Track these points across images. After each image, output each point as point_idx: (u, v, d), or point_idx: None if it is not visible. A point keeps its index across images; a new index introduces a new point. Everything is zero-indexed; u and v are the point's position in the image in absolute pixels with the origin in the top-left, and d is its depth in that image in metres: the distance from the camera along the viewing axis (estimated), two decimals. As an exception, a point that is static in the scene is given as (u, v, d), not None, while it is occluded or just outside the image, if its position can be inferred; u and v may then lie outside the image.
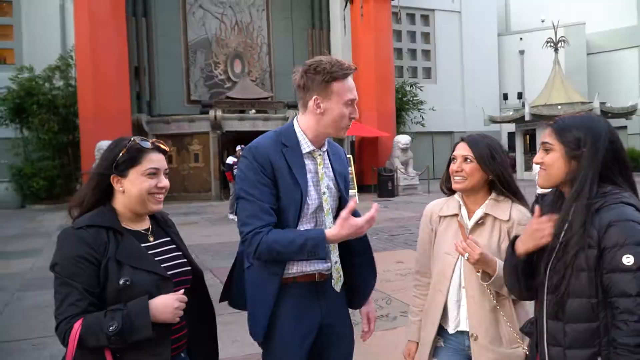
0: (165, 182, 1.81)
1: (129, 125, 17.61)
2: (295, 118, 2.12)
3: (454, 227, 2.10)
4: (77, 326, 1.56)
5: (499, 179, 2.03)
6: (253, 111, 20.39)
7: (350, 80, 2.02)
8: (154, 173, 1.77)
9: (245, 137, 20.58)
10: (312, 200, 2.03)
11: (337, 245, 2.08)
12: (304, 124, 2.06)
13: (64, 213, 13.99)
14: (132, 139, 1.79)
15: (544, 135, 1.69)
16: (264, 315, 1.98)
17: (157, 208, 1.81)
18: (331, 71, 1.95)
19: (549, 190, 1.76)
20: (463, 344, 2.05)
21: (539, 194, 1.82)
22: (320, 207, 2.05)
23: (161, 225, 1.91)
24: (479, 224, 2.05)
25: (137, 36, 21.04)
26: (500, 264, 1.93)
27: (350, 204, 1.89)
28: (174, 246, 1.88)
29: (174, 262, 1.83)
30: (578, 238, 1.54)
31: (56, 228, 11.67)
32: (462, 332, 2.06)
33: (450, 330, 2.07)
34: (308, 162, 2.05)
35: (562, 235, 1.58)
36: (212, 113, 18.65)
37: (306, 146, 2.04)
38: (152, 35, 21.72)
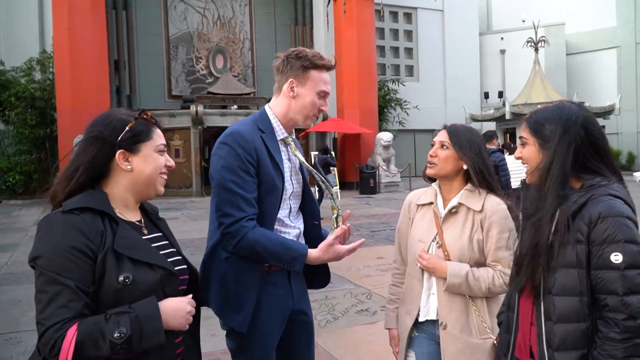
0: (171, 160, 1.62)
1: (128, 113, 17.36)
2: (267, 105, 2.14)
3: (429, 216, 2.13)
4: (72, 333, 1.27)
5: (473, 169, 2.04)
6: (235, 107, 20.31)
7: (327, 75, 2.08)
8: (163, 150, 1.60)
9: (227, 133, 20.54)
10: (290, 186, 2.07)
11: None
12: (276, 109, 2.09)
13: (41, 208, 13.72)
14: (140, 110, 1.59)
15: (521, 130, 1.70)
16: (249, 304, 1.96)
17: (162, 190, 1.62)
18: (311, 59, 2.01)
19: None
20: (434, 333, 2.07)
21: (522, 181, 1.78)
22: (295, 193, 2.12)
23: (152, 218, 1.67)
24: (452, 212, 2.06)
25: (117, 29, 20.81)
26: (453, 269, 1.95)
27: (338, 231, 1.95)
28: (166, 242, 1.64)
29: (170, 260, 1.58)
30: (560, 233, 1.50)
31: (32, 223, 11.50)
32: (433, 321, 2.07)
33: (421, 318, 2.09)
34: (283, 149, 2.10)
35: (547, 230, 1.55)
36: (193, 108, 18.53)
37: (280, 133, 2.09)
38: (132, 29, 21.49)
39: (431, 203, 2.14)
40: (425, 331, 2.11)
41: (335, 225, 2.09)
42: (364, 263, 6.92)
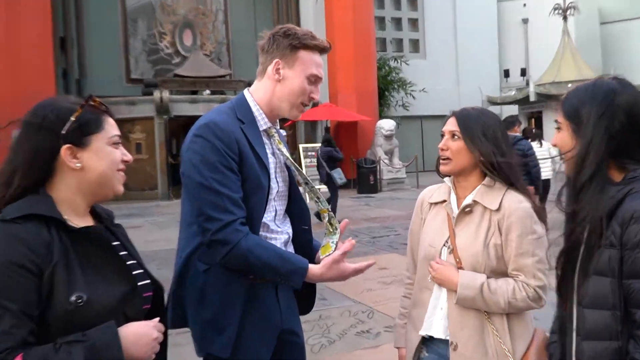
0: (128, 154, 1.60)
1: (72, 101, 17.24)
2: (247, 89, 2.14)
3: (441, 216, 2.13)
4: None
5: (488, 160, 2.01)
6: (207, 92, 20.27)
7: (319, 57, 2.09)
8: (118, 142, 1.57)
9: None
10: (275, 184, 2.09)
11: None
12: (258, 95, 2.10)
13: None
14: (88, 96, 1.55)
15: (557, 113, 1.71)
16: (232, 323, 1.96)
17: (121, 189, 1.58)
18: (301, 38, 2.02)
19: None
20: (446, 355, 2.05)
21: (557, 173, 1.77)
22: (280, 193, 2.14)
23: (107, 224, 1.63)
24: (466, 212, 2.05)
25: (63, 0, 20.66)
26: (465, 280, 1.95)
27: (347, 246, 1.97)
28: (125, 252, 1.60)
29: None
30: (593, 234, 1.51)
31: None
32: (444, 341, 2.06)
33: (424, 332, 2.09)
34: (266, 141, 2.11)
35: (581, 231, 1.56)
36: (157, 94, 18.45)
37: (263, 123, 2.09)
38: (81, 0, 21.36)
39: (444, 201, 2.15)
40: (435, 350, 2.11)
41: (331, 229, 2.09)
42: (364, 275, 6.88)
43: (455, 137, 2.06)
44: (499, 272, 1.99)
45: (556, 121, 1.69)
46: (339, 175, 11.80)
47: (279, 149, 2.15)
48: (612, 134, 1.54)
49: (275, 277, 1.94)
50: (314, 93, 2.08)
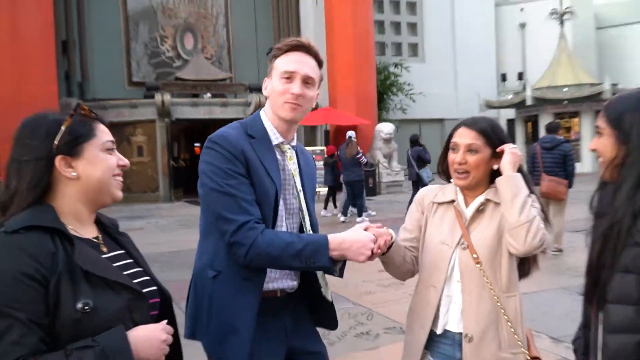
0: (125, 159, 1.62)
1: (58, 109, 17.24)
2: (262, 109, 2.20)
3: (450, 215, 2.17)
4: None
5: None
6: (208, 95, 20.28)
7: (292, 54, 2.09)
8: (112, 148, 1.57)
9: (204, 126, 20.40)
10: (283, 199, 2.10)
11: None
12: (267, 111, 2.16)
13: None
14: (78, 103, 1.55)
15: (598, 119, 1.74)
16: (248, 329, 1.96)
17: (120, 195, 1.60)
18: (276, 47, 2.10)
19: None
20: (452, 354, 2.10)
21: (600, 182, 1.86)
22: (293, 209, 2.14)
23: (112, 233, 1.64)
24: (480, 210, 2.12)
25: (65, 4, 20.67)
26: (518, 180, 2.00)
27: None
28: (131, 260, 1.62)
29: (137, 281, 1.56)
30: (622, 232, 1.57)
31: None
32: (451, 339, 2.10)
33: (439, 330, 2.12)
34: (279, 157, 2.13)
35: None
36: (158, 97, 18.47)
37: (274, 137, 2.11)
38: (83, 3, 21.38)
39: (452, 201, 2.18)
40: (440, 355, 2.14)
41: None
42: (363, 278, 6.93)
43: (472, 150, 2.09)
44: (510, 264, 2.08)
45: (597, 126, 1.73)
46: (427, 174, 12.17)
47: (294, 164, 2.17)
48: None
49: (302, 263, 1.91)
50: (292, 88, 2.06)
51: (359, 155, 12.87)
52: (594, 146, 1.74)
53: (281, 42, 2.12)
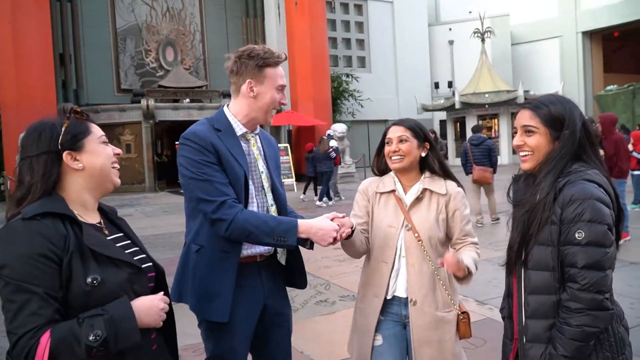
0: (118, 148, 1.63)
1: (55, 115, 16.78)
2: (225, 105, 2.16)
3: (392, 203, 2.21)
4: (45, 340, 1.26)
5: (433, 153, 2.21)
6: (187, 100, 19.94)
7: (280, 69, 2.10)
8: (107, 141, 1.59)
9: (183, 127, 20.18)
10: (252, 180, 2.08)
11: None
12: (235, 109, 2.11)
13: (-14, 209, 12.99)
14: (71, 108, 1.57)
15: (524, 118, 1.75)
16: (226, 292, 1.96)
17: (119, 182, 1.62)
18: (264, 57, 2.04)
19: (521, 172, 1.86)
20: (399, 314, 2.17)
21: (514, 175, 1.89)
22: (259, 187, 2.12)
23: (112, 218, 1.66)
24: (418, 199, 2.18)
25: (62, 22, 20.09)
26: (472, 267, 2.01)
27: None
28: (129, 241, 1.64)
29: (136, 258, 1.58)
30: (541, 212, 1.65)
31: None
32: (398, 303, 2.17)
33: (389, 296, 2.17)
34: (243, 145, 2.11)
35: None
36: (144, 102, 18.08)
37: (238, 129, 2.10)
38: (77, 21, 20.79)
39: (393, 190, 2.22)
40: (390, 315, 2.19)
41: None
42: (322, 254, 6.94)
43: (403, 140, 2.17)
44: (443, 241, 2.17)
45: (529, 125, 1.74)
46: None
47: (257, 149, 2.16)
48: (578, 142, 1.69)
49: (274, 239, 1.91)
50: (283, 99, 2.11)
51: (330, 150, 13.09)
52: (521, 143, 1.76)
53: (264, 49, 2.06)
